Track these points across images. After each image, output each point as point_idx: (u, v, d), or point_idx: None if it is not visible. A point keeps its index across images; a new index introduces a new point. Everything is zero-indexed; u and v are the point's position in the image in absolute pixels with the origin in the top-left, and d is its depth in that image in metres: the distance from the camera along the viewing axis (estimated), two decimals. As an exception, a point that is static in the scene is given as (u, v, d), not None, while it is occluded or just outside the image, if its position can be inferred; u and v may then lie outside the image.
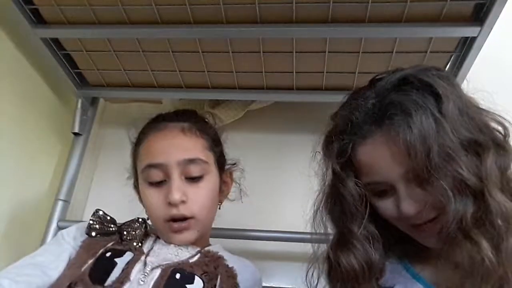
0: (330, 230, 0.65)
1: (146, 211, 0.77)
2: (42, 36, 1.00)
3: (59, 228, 1.07)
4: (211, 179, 0.77)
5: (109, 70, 1.09)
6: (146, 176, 0.74)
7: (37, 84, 1.12)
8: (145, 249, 0.72)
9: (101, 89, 1.16)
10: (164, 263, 0.68)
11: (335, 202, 0.62)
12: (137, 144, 0.80)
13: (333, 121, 0.65)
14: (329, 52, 0.96)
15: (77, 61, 1.09)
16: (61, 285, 0.66)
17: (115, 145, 1.26)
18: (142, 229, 0.75)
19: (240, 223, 0.99)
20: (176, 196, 0.70)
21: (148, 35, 0.97)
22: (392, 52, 0.94)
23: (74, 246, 0.74)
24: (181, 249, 0.73)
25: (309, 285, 0.66)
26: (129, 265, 0.67)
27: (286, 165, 1.18)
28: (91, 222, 0.75)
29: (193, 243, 0.74)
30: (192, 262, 0.70)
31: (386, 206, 0.58)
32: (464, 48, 0.92)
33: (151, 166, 0.73)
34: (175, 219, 0.71)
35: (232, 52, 0.98)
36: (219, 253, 0.73)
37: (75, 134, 1.17)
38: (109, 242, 0.73)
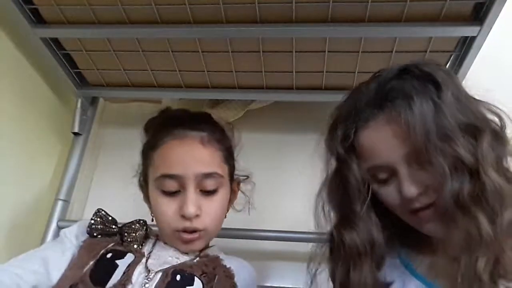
0: (332, 219, 0.66)
1: (152, 216, 0.77)
2: (42, 36, 1.00)
3: (59, 228, 1.07)
4: (224, 192, 0.76)
5: (109, 70, 1.09)
6: (160, 184, 0.72)
7: (37, 84, 1.12)
8: (145, 251, 0.72)
9: (101, 89, 1.16)
10: (165, 266, 0.68)
11: (338, 186, 0.64)
12: (151, 148, 0.77)
13: (338, 111, 0.67)
14: (328, 51, 0.96)
15: (77, 61, 1.09)
16: (62, 286, 0.66)
17: (115, 145, 1.26)
18: (143, 231, 0.75)
19: (240, 223, 0.98)
20: (191, 210, 0.69)
21: (148, 35, 0.97)
22: (392, 51, 0.94)
23: (76, 245, 0.74)
24: (181, 253, 0.73)
25: (310, 275, 0.67)
26: (130, 268, 0.66)
27: (286, 165, 1.18)
28: (92, 221, 0.75)
29: None
30: (191, 263, 0.70)
31: (387, 192, 0.59)
32: (464, 48, 0.92)
33: (166, 176, 0.71)
34: (185, 230, 0.71)
35: (232, 51, 0.98)
36: (217, 254, 0.74)
37: (75, 134, 1.17)
38: (110, 243, 0.73)
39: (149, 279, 0.65)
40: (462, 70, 0.95)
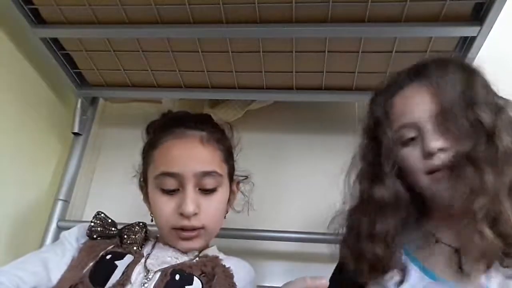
0: (356, 193, 0.71)
1: (152, 215, 0.77)
2: (42, 36, 1.00)
3: (59, 228, 1.07)
4: (223, 191, 0.77)
5: (109, 70, 1.09)
6: (159, 183, 0.73)
7: (37, 84, 1.12)
8: (145, 252, 0.73)
9: (101, 89, 1.16)
10: (164, 266, 0.69)
11: (372, 148, 0.70)
12: (151, 147, 0.77)
13: (379, 87, 0.74)
14: (328, 51, 0.96)
15: (76, 61, 1.09)
16: (62, 287, 0.66)
17: (115, 145, 1.26)
18: (142, 233, 0.75)
19: (240, 223, 0.99)
20: (190, 208, 0.70)
21: (148, 35, 0.97)
22: (392, 51, 0.94)
23: (76, 247, 0.74)
24: (180, 253, 0.73)
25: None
26: (129, 268, 0.67)
27: (286, 165, 1.18)
28: (92, 224, 0.75)
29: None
30: (190, 263, 0.70)
31: (410, 153, 0.65)
32: (464, 48, 0.92)
33: (166, 174, 0.72)
34: (183, 228, 0.71)
35: (232, 52, 0.98)
36: (216, 254, 0.74)
37: (75, 134, 1.17)
38: (109, 245, 0.73)
39: (148, 279, 0.66)
40: (462, 70, 0.95)
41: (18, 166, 1.06)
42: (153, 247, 0.75)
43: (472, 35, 0.88)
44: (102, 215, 0.77)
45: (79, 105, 1.17)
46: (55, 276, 0.68)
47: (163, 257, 0.72)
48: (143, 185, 0.81)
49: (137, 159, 0.83)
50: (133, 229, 0.75)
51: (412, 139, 0.65)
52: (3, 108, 1.00)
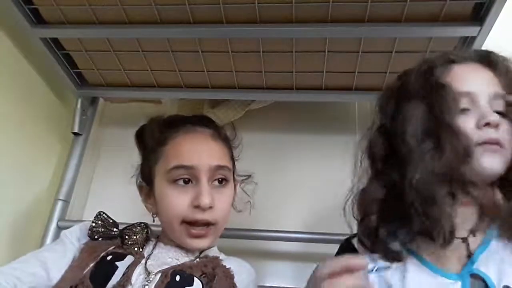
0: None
1: (154, 216, 0.77)
2: (42, 36, 0.99)
3: (59, 228, 1.07)
4: (231, 187, 0.78)
5: (109, 70, 1.09)
6: (173, 175, 0.72)
7: (36, 84, 1.12)
8: (146, 253, 0.73)
9: (100, 88, 1.16)
10: (164, 267, 0.68)
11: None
12: (159, 143, 0.77)
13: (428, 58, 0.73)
14: (328, 52, 0.96)
15: (76, 61, 1.09)
16: (62, 287, 0.66)
17: (114, 145, 1.26)
18: (144, 234, 0.75)
19: (240, 223, 0.99)
20: (207, 200, 0.70)
21: (148, 35, 0.97)
22: (392, 51, 0.94)
23: (77, 247, 0.74)
24: (181, 254, 0.73)
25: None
26: (130, 269, 0.67)
27: (286, 165, 1.18)
28: (93, 224, 0.75)
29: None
30: (191, 264, 0.70)
31: (466, 120, 0.64)
32: (464, 48, 0.92)
33: (180, 167, 0.72)
34: (195, 223, 0.71)
35: (232, 52, 0.98)
36: (216, 255, 0.74)
37: (75, 134, 1.17)
38: (110, 246, 0.73)
39: (149, 281, 0.65)
40: (462, 70, 0.95)
41: (18, 166, 1.06)
42: (154, 247, 0.75)
43: (472, 35, 0.88)
44: (104, 215, 0.77)
45: (79, 105, 1.17)
46: (55, 276, 0.68)
47: (163, 258, 0.72)
48: (143, 186, 0.80)
49: (137, 159, 0.83)
50: (134, 229, 0.75)
51: (465, 109, 0.64)
52: (3, 108, 1.00)
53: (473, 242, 0.61)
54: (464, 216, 0.63)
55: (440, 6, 0.85)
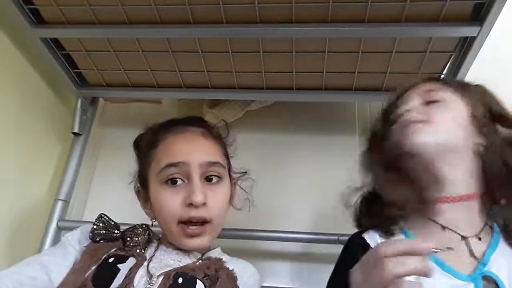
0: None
1: (153, 220, 0.77)
2: (42, 36, 0.99)
3: (59, 228, 1.07)
4: (226, 184, 0.78)
5: (109, 70, 1.09)
6: (164, 175, 0.72)
7: (36, 84, 1.12)
8: (148, 255, 0.72)
9: (100, 89, 1.16)
10: (167, 269, 0.68)
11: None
12: (151, 146, 0.77)
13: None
14: (328, 52, 0.96)
15: (76, 61, 1.09)
16: None
17: (115, 145, 1.26)
18: (145, 236, 0.75)
19: (240, 223, 0.99)
20: (199, 197, 0.70)
21: (148, 35, 0.97)
22: (392, 51, 0.94)
23: (79, 249, 0.73)
24: (183, 256, 0.73)
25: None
26: (132, 271, 0.66)
27: (285, 165, 1.18)
28: (95, 226, 0.75)
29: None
30: (193, 266, 0.69)
31: None
32: (464, 48, 0.92)
33: (171, 165, 0.72)
34: (191, 222, 0.71)
35: (232, 52, 0.98)
36: (219, 256, 0.74)
37: (75, 134, 1.17)
38: (112, 248, 0.72)
39: (151, 283, 0.65)
40: (462, 70, 0.95)
41: (18, 166, 1.06)
42: (156, 249, 0.74)
43: (472, 35, 0.88)
44: (105, 217, 0.76)
45: (79, 105, 1.17)
46: (56, 279, 0.67)
47: (165, 260, 0.71)
48: (141, 190, 0.80)
49: (135, 158, 0.83)
50: (136, 231, 0.75)
51: None
52: (3, 108, 1.00)
53: (477, 243, 0.62)
54: (462, 213, 0.64)
55: (440, 6, 0.85)
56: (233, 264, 0.72)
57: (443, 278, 0.59)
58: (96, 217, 0.77)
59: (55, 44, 1.03)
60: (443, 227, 0.64)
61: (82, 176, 1.19)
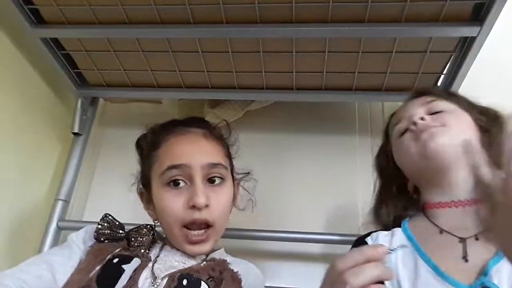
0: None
1: (155, 221, 0.77)
2: (42, 36, 0.99)
3: (59, 228, 1.07)
4: (229, 185, 0.77)
5: (109, 70, 1.09)
6: (166, 178, 0.72)
7: (36, 84, 1.12)
8: (152, 256, 0.72)
9: (100, 89, 1.16)
10: (171, 270, 0.68)
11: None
12: (153, 147, 0.77)
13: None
14: (328, 52, 0.96)
15: (76, 61, 1.09)
16: None
17: (115, 145, 1.26)
18: (150, 236, 0.74)
19: (240, 223, 0.99)
20: (202, 199, 0.69)
21: (148, 35, 0.97)
22: (392, 51, 0.94)
23: (84, 249, 0.73)
24: (188, 257, 0.72)
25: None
26: (136, 272, 0.66)
27: (286, 165, 1.18)
28: (100, 226, 0.74)
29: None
30: (198, 267, 0.69)
31: None
32: (464, 48, 0.92)
33: (173, 167, 0.71)
34: (193, 225, 0.70)
35: (232, 52, 0.98)
36: (223, 257, 0.73)
37: (75, 134, 1.17)
38: (116, 248, 0.72)
39: (155, 285, 0.65)
40: (462, 70, 0.95)
41: (18, 166, 1.06)
42: (160, 250, 0.74)
43: (472, 35, 0.88)
44: (110, 217, 0.75)
45: (79, 105, 1.17)
46: (61, 279, 0.67)
47: (170, 262, 0.71)
48: (144, 191, 0.80)
49: (137, 159, 0.83)
50: (140, 231, 0.74)
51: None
52: (3, 108, 1.00)
53: (477, 249, 0.61)
54: (463, 217, 0.63)
55: (440, 6, 0.85)
56: (237, 265, 0.71)
57: (439, 285, 0.59)
58: (96, 217, 0.76)
59: (55, 44, 1.03)
60: (442, 231, 0.65)
61: (82, 176, 1.19)
